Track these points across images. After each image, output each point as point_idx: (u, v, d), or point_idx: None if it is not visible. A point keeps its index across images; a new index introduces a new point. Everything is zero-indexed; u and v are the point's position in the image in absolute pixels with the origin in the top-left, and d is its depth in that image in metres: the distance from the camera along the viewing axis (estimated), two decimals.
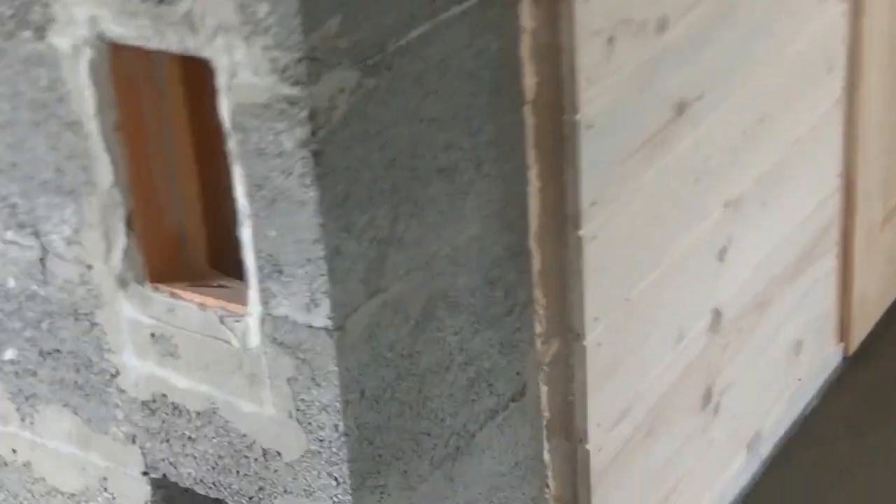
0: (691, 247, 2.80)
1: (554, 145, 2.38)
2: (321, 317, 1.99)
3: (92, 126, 2.07)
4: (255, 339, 2.07)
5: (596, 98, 2.39)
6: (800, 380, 3.38)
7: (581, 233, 2.43)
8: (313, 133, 1.89)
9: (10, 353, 2.35)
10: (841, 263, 3.45)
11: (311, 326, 2.01)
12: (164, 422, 2.23)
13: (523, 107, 2.30)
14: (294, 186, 1.93)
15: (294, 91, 1.87)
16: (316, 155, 1.90)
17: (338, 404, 2.04)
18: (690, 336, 2.85)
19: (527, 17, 2.27)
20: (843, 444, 3.37)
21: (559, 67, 2.34)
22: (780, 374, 3.28)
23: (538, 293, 2.43)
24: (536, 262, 2.40)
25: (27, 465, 2.46)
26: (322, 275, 1.97)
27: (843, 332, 3.55)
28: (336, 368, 2.02)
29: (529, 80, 2.30)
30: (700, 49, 2.69)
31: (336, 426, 2.06)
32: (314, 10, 1.84)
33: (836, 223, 3.37)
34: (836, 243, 3.40)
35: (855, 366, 3.59)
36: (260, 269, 2.02)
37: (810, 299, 3.32)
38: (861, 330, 3.62)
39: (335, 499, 2.12)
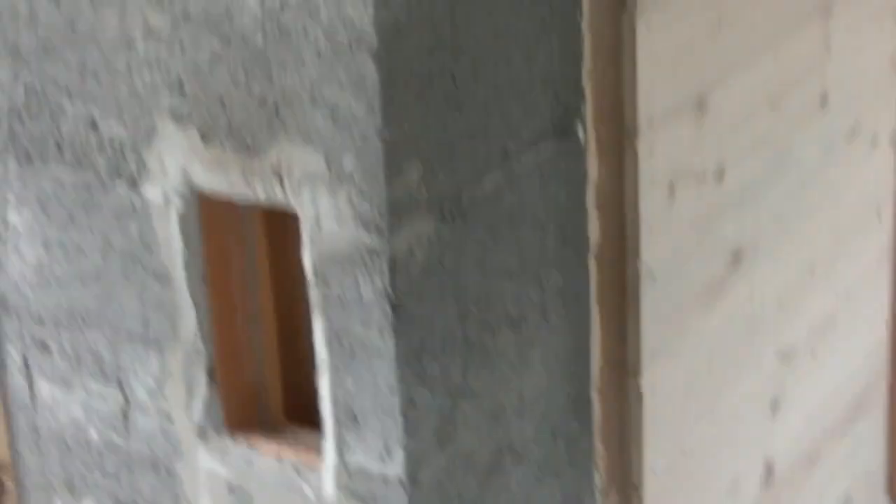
0: (745, 397, 2.81)
1: (616, 295, 2.42)
2: (395, 467, 2.02)
3: (179, 277, 2.12)
4: (329, 490, 2.10)
5: (657, 246, 2.44)
6: None
7: (641, 383, 2.47)
8: (392, 283, 1.93)
9: (89, 502, 2.37)
10: (889, 416, 3.44)
11: (384, 477, 2.04)
12: None
13: (588, 256, 2.35)
14: (373, 337, 1.97)
15: (375, 241, 1.92)
16: (394, 306, 1.94)
17: None
18: (744, 489, 2.85)
19: (593, 168, 2.33)
20: None
21: (622, 216, 2.39)
22: None
23: (599, 444, 2.44)
24: (597, 413, 2.42)
25: None
26: (397, 425, 2.00)
27: (892, 486, 3.53)
28: None
29: (594, 230, 2.35)
30: (755, 198, 2.73)
31: None
32: (396, 159, 1.89)
33: (883, 375, 3.37)
34: (884, 395, 3.39)
35: None
36: (336, 418, 2.05)
37: (859, 453, 3.29)
38: None
39: None
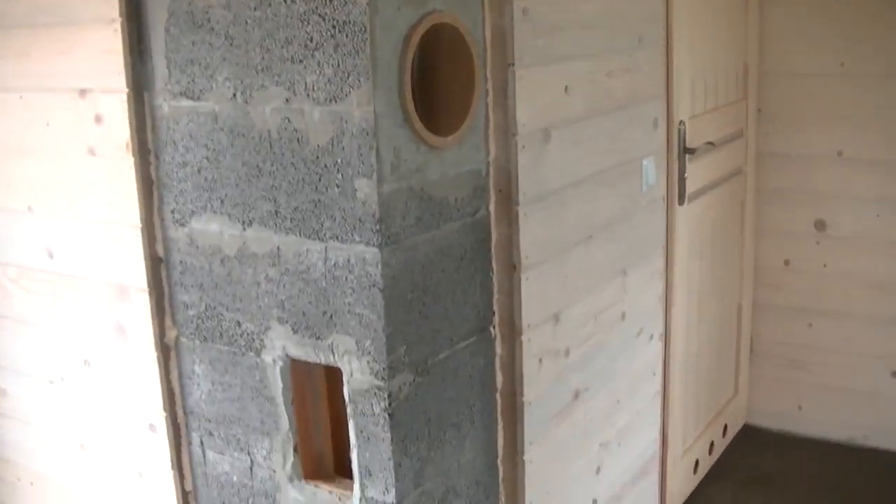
0: (580, 469, 2.76)
1: (510, 413, 2.41)
2: (391, 497, 2.04)
3: (279, 400, 2.15)
4: None
5: (532, 390, 2.43)
6: None
7: (525, 458, 2.44)
8: (389, 404, 1.98)
9: None
10: (660, 476, 3.36)
11: (385, 502, 2.05)
12: None
13: (496, 393, 2.34)
14: (380, 431, 2.01)
15: (381, 383, 1.97)
16: (390, 415, 1.99)
17: None
18: None
19: (499, 348, 2.33)
20: None
21: (514, 373, 2.38)
22: None
23: (502, 488, 2.41)
24: (501, 472, 2.40)
25: None
26: (391, 477, 2.03)
27: None
28: None
29: (499, 379, 2.34)
30: (587, 364, 2.72)
31: None
32: (392, 344, 1.95)
33: (657, 456, 3.31)
34: (658, 465, 3.32)
35: None
36: (360, 472, 2.07)
37: (645, 495, 3.24)
38: None
39: None
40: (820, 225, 3.96)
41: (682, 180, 3.13)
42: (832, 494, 3.73)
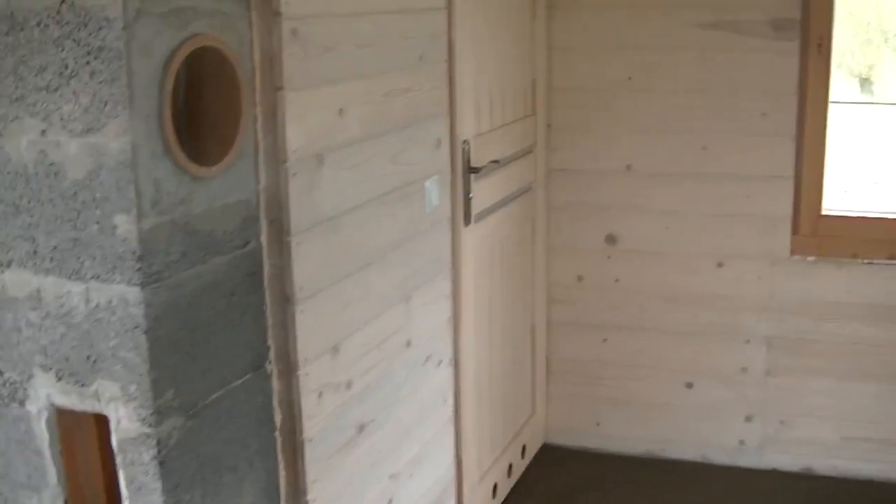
0: (371, 500, 2.78)
1: (291, 453, 2.41)
2: None
3: (47, 452, 2.07)
4: None
5: (313, 425, 2.44)
6: None
7: (308, 498, 2.44)
8: (158, 451, 1.95)
9: None
10: (456, 503, 3.40)
11: None
12: None
13: (275, 432, 2.33)
14: (150, 481, 1.97)
15: (149, 430, 1.94)
16: (160, 463, 1.96)
17: None
18: None
19: (276, 384, 2.32)
20: None
21: (293, 410, 2.38)
22: None
23: None
24: None
25: None
26: None
27: None
28: None
29: (278, 418, 2.33)
30: (370, 396, 2.73)
31: None
32: (159, 388, 1.93)
33: (453, 482, 3.35)
34: (454, 493, 3.36)
35: None
36: None
37: None
38: None
39: None
40: (610, 239, 4.10)
41: (467, 200, 3.18)
42: None
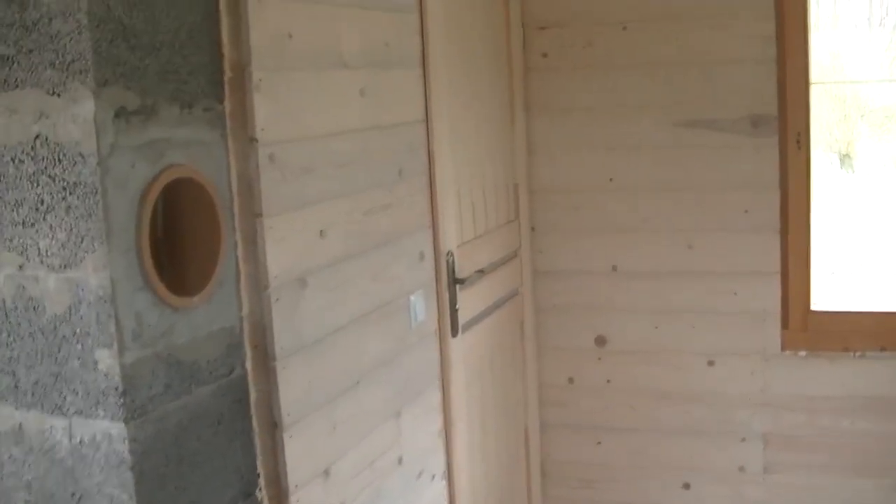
0: None
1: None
2: None
3: None
4: None
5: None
6: None
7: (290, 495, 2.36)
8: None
9: None
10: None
11: None
12: None
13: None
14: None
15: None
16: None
17: None
18: None
19: (252, 390, 2.23)
20: None
21: (274, 432, 2.31)
22: None
23: None
24: None
25: None
26: None
27: None
28: None
29: (256, 428, 2.24)
30: None
31: None
32: None
33: None
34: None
35: None
36: None
37: None
38: None
39: None
40: (600, 340, 4.08)
41: (453, 312, 3.16)
42: None
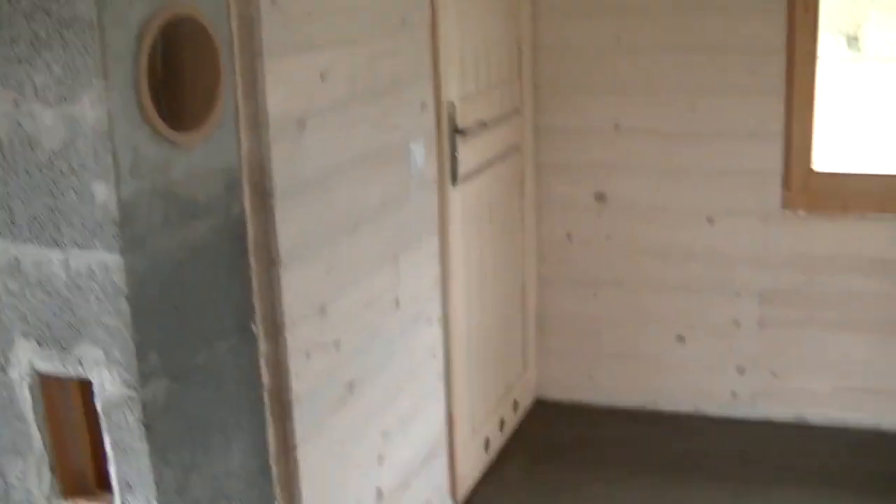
0: (361, 459, 2.80)
1: (280, 413, 2.42)
2: None
3: (30, 418, 2.07)
4: None
5: (300, 386, 2.44)
6: None
7: (297, 456, 2.46)
8: (144, 414, 1.94)
9: None
10: (449, 458, 3.42)
11: None
12: None
13: (263, 391, 2.32)
14: (136, 442, 1.97)
15: (133, 393, 1.94)
16: (146, 426, 1.95)
17: None
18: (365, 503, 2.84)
19: (263, 346, 2.32)
20: None
21: (280, 372, 2.39)
22: None
23: (277, 489, 2.41)
24: (275, 473, 2.39)
25: None
26: (152, 489, 2.00)
27: (454, 493, 3.47)
28: None
29: (265, 378, 2.33)
30: (360, 356, 2.73)
31: None
32: (142, 351, 1.92)
33: (444, 441, 3.35)
34: (446, 447, 3.37)
35: None
36: (120, 486, 2.03)
37: (434, 478, 3.28)
38: (463, 492, 3.57)
39: None
40: (600, 197, 4.08)
41: (453, 161, 3.17)
42: (625, 461, 3.88)
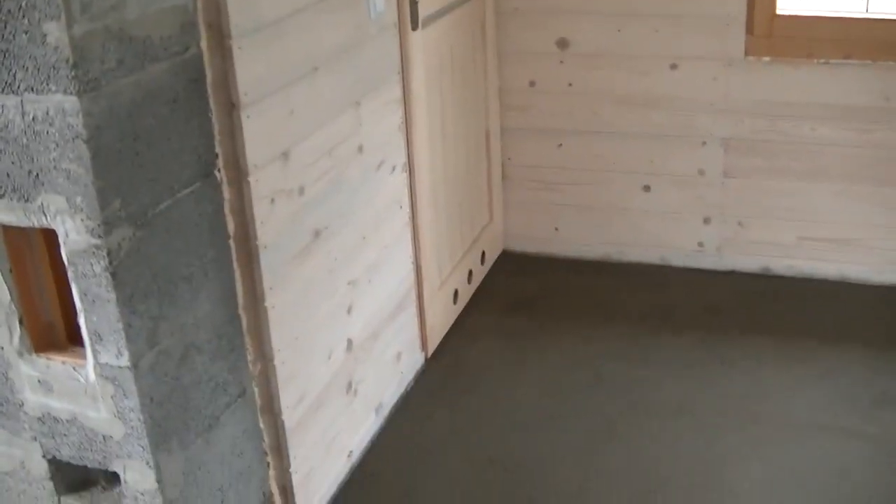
0: (332, 307, 2.81)
1: (246, 259, 2.40)
2: (124, 361, 2.02)
3: None
4: (91, 376, 2.08)
5: (266, 233, 2.43)
6: (402, 373, 3.38)
7: (266, 305, 2.46)
8: (110, 262, 1.93)
9: None
10: (418, 309, 3.44)
11: (119, 367, 2.03)
12: (50, 427, 2.20)
13: (229, 239, 2.31)
14: (103, 292, 1.96)
15: (98, 241, 1.92)
16: (112, 274, 1.94)
17: (138, 406, 2.06)
18: (335, 356, 2.86)
19: (226, 192, 2.29)
20: (430, 408, 3.35)
21: (245, 217, 2.37)
22: (391, 372, 3.28)
23: (247, 338, 2.43)
24: (244, 322, 2.40)
25: None
26: (122, 339, 2.00)
27: (424, 345, 3.52)
28: (135, 387, 2.04)
29: (230, 225, 2.31)
30: (324, 202, 2.71)
31: (139, 418, 2.08)
32: (104, 197, 1.90)
33: (412, 289, 3.37)
34: (415, 299, 3.39)
35: (432, 363, 3.57)
36: (90, 338, 2.04)
37: (404, 330, 3.31)
38: (433, 343, 3.61)
39: (144, 457, 2.12)
40: (562, 43, 4.03)
41: (413, 4, 3.10)
42: (593, 311, 3.92)
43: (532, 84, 4.11)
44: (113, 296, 1.97)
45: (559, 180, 4.23)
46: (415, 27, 3.14)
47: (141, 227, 2.01)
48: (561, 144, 4.16)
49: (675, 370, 3.51)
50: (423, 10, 3.22)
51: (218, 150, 2.25)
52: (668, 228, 4.17)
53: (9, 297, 2.10)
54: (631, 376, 3.49)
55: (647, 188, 4.13)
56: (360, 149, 2.90)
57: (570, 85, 4.07)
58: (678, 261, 4.20)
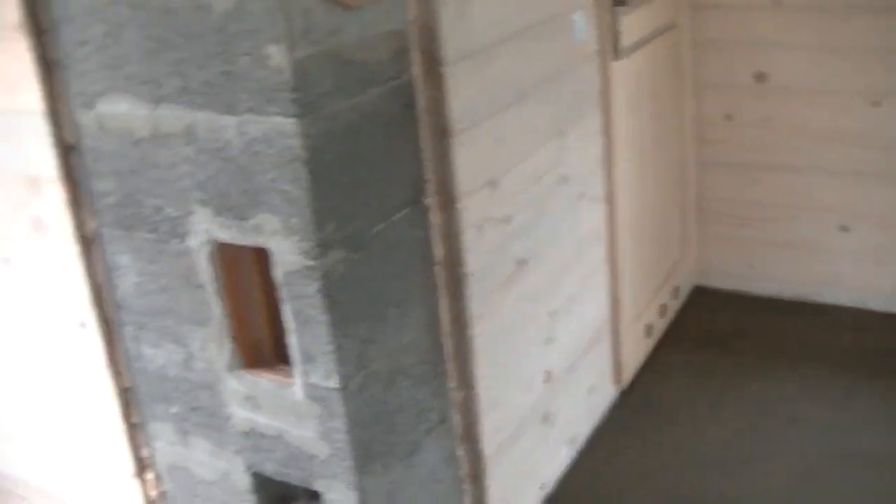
0: (530, 340, 2.75)
1: (454, 287, 2.36)
2: (333, 383, 1.99)
3: (209, 287, 2.07)
4: (299, 395, 2.06)
5: (473, 260, 2.38)
6: (595, 406, 3.28)
7: (472, 332, 2.41)
8: (324, 284, 1.90)
9: (174, 409, 2.30)
10: (613, 342, 3.35)
11: (328, 387, 2.00)
12: (254, 442, 2.20)
13: (436, 266, 2.28)
14: (316, 313, 1.93)
15: (312, 263, 1.89)
16: (326, 296, 1.91)
17: (345, 428, 2.03)
18: (535, 385, 2.80)
19: (436, 218, 2.25)
20: (622, 443, 3.26)
21: (453, 244, 2.33)
22: (585, 404, 3.19)
23: (450, 366, 2.38)
24: (448, 349, 2.36)
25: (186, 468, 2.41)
26: (333, 360, 1.96)
27: (617, 378, 3.43)
28: (343, 409, 2.01)
29: (438, 251, 2.28)
30: (529, 232, 2.65)
31: (345, 440, 2.04)
32: (320, 220, 1.86)
33: (607, 324, 3.28)
34: (610, 332, 3.30)
35: (624, 397, 3.47)
36: (300, 358, 2.01)
37: (598, 362, 3.23)
38: (626, 377, 3.51)
39: (347, 479, 2.09)
40: (760, 77, 3.88)
41: (615, 34, 3.02)
42: (785, 352, 3.73)
43: (728, 117, 3.97)
44: (325, 318, 1.94)
45: (754, 216, 4.06)
46: (617, 57, 3.06)
47: (355, 249, 1.98)
48: (757, 180, 4.00)
49: (878, 416, 3.30)
50: (625, 40, 3.14)
51: (429, 176, 2.21)
52: (868, 270, 3.94)
53: (220, 314, 2.10)
54: (831, 420, 3.30)
55: (844, 228, 3.92)
56: (564, 179, 2.82)
57: (768, 119, 3.91)
58: (876, 304, 3.97)
